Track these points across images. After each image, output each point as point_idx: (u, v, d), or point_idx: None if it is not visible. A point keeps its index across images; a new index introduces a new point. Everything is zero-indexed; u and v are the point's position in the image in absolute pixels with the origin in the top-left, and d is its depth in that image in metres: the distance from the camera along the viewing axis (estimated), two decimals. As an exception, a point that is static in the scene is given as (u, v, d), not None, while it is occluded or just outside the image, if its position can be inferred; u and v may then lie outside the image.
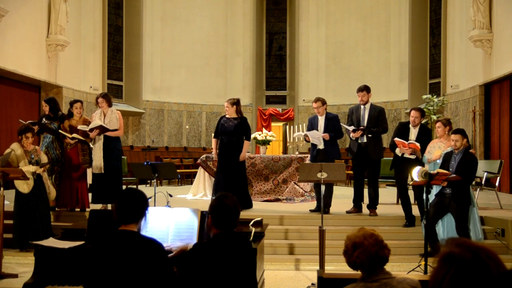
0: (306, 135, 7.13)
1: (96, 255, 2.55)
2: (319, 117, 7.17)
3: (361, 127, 6.79)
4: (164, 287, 2.57)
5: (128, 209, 2.62)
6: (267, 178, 8.91)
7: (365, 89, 6.93)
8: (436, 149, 6.14)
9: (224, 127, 7.18)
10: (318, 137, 7.02)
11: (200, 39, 16.82)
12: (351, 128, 6.81)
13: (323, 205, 6.93)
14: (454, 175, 5.41)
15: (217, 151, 7.34)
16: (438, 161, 5.94)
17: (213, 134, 7.76)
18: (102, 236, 2.66)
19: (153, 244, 2.60)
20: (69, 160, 7.13)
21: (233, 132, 7.15)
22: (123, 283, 2.48)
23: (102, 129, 7.02)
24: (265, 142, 10.07)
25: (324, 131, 7.04)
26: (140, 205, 2.66)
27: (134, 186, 9.40)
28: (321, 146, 7.01)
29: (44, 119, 7.21)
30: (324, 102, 7.15)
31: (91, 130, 6.99)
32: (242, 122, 7.25)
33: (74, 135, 7.05)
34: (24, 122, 6.58)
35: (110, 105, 7.28)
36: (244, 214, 2.88)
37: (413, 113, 6.56)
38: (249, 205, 7.28)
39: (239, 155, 7.17)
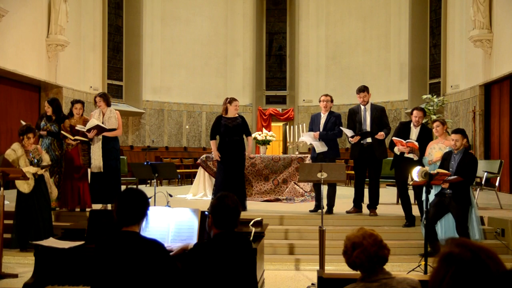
0: (310, 144, 7.14)
1: (100, 256, 2.55)
2: (322, 115, 7.16)
3: (359, 133, 6.76)
4: (167, 285, 2.57)
5: (128, 211, 2.60)
6: (267, 178, 8.91)
7: (365, 89, 6.92)
8: (437, 150, 6.13)
9: (228, 127, 7.06)
10: (310, 140, 7.03)
11: (200, 39, 16.82)
12: (350, 133, 6.79)
13: (327, 205, 6.97)
14: (455, 176, 5.40)
15: (218, 152, 7.19)
16: (438, 162, 5.93)
17: (209, 136, 7.65)
18: (104, 237, 2.65)
19: (155, 245, 2.59)
20: (70, 161, 7.13)
21: (238, 131, 7.12)
22: (127, 283, 2.48)
23: (99, 129, 7.00)
24: (265, 142, 10.07)
25: (323, 129, 7.04)
26: (140, 206, 2.64)
27: (134, 186, 9.42)
28: (324, 148, 6.97)
29: (44, 120, 7.19)
30: (332, 100, 7.24)
31: (89, 130, 6.98)
32: (244, 121, 7.26)
33: (77, 137, 7.04)
34: (24, 122, 6.57)
35: (108, 104, 7.27)
36: (244, 214, 2.88)
37: (415, 113, 6.53)
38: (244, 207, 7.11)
39: (243, 154, 7.16)
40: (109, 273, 2.50)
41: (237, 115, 7.21)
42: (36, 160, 6.12)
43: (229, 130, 7.06)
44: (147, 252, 2.53)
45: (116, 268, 2.49)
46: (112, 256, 2.52)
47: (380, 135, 6.71)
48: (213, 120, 7.45)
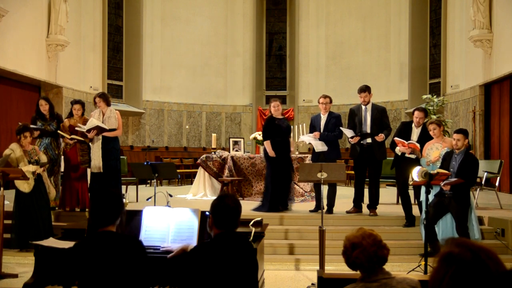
0: (310, 143, 7.19)
1: (79, 257, 2.58)
2: (322, 116, 7.17)
3: (359, 134, 6.76)
4: (142, 280, 2.61)
5: (102, 212, 2.65)
6: (267, 178, 8.88)
7: (367, 89, 6.90)
8: (434, 150, 6.13)
9: (282, 127, 7.27)
10: (310, 139, 7.06)
11: (200, 39, 16.81)
12: (350, 134, 6.79)
13: (327, 205, 6.98)
14: (456, 179, 5.39)
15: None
16: (437, 163, 5.92)
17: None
18: (81, 239, 2.69)
19: (132, 240, 2.67)
20: (69, 161, 7.13)
21: (289, 132, 7.42)
22: (107, 281, 2.51)
23: (99, 129, 6.99)
24: (265, 142, 10.04)
25: (324, 130, 7.05)
26: (113, 207, 2.69)
27: (134, 186, 9.40)
28: (324, 148, 6.98)
29: (37, 121, 7.18)
30: (331, 100, 7.27)
31: (89, 130, 6.97)
32: (288, 122, 7.59)
33: (73, 136, 7.03)
34: (21, 123, 6.57)
35: (108, 104, 7.25)
36: (244, 214, 2.89)
37: (417, 113, 6.53)
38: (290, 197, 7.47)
39: (290, 153, 7.46)
40: (90, 273, 2.53)
41: (282, 116, 7.43)
42: (34, 161, 6.13)
43: (282, 131, 7.25)
44: (125, 247, 2.59)
45: (96, 267, 2.52)
46: (92, 257, 2.55)
47: (380, 137, 6.70)
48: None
